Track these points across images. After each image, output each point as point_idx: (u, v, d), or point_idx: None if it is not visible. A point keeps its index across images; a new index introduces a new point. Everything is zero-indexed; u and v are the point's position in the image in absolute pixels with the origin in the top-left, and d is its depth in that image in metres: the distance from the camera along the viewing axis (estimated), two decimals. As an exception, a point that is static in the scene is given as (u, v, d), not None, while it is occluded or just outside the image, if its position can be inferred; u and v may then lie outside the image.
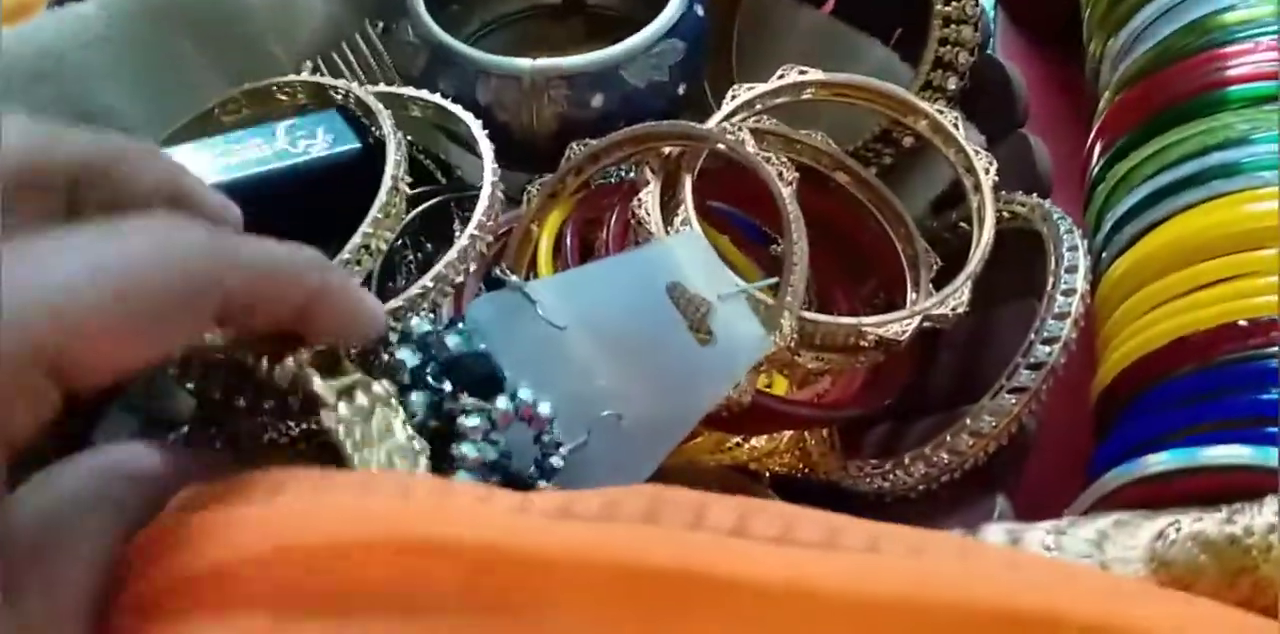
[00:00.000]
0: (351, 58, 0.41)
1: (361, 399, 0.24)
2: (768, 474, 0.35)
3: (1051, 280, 0.31)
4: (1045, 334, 0.30)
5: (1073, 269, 0.31)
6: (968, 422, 0.30)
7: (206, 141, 0.34)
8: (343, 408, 0.23)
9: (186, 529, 0.20)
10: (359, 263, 0.32)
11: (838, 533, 0.21)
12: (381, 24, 0.42)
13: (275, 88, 0.38)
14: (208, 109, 0.37)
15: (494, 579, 0.19)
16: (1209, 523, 0.22)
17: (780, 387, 0.36)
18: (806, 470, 0.35)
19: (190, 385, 0.33)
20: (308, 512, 0.20)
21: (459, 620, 0.19)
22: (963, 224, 0.37)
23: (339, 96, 0.37)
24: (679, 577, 0.19)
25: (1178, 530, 0.22)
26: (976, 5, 0.39)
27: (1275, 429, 0.26)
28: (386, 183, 0.32)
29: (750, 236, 0.41)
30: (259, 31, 0.41)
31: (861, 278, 0.38)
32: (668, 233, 0.34)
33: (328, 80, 0.37)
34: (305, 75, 0.38)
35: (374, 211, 0.31)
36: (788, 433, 0.36)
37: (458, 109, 0.36)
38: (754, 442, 0.36)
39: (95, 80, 0.37)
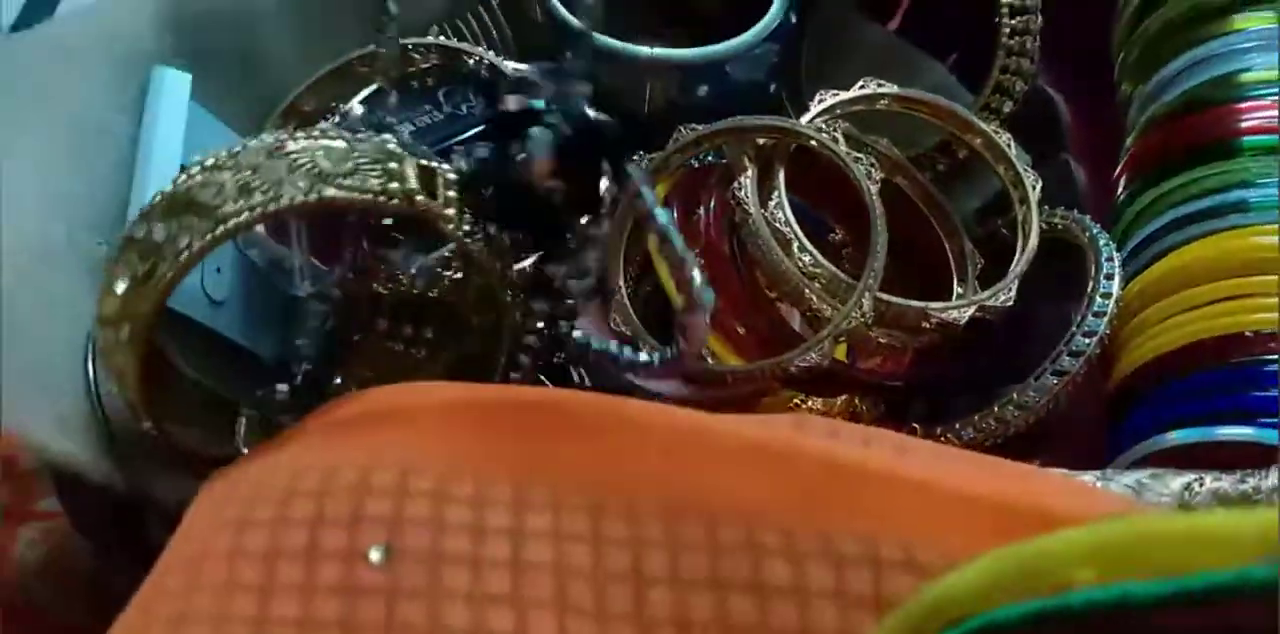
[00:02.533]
0: (475, 28, 0.45)
1: None
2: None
3: (1091, 284, 0.37)
4: (1086, 328, 0.36)
5: (1110, 276, 0.37)
6: (1015, 396, 0.36)
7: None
8: None
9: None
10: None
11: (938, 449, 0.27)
12: (501, -2, 0.46)
13: (410, 48, 0.41)
14: (346, 61, 0.41)
15: None
16: (1226, 482, 0.28)
17: (840, 355, 0.42)
18: (856, 430, 0.41)
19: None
20: None
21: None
22: (1004, 231, 0.43)
23: (471, 61, 0.41)
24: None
25: (1201, 485, 0.29)
26: (1035, 41, 0.44)
27: (1269, 420, 0.32)
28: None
29: (809, 223, 0.46)
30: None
31: (908, 270, 0.44)
32: (763, 213, 0.39)
33: (463, 46, 0.41)
34: (441, 39, 0.42)
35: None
36: (842, 397, 0.41)
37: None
38: (811, 402, 0.41)
39: (263, 25, 0.40)
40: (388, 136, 0.28)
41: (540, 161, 0.30)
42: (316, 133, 0.28)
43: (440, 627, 0.22)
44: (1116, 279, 0.37)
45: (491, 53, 0.39)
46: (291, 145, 0.27)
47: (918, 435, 0.38)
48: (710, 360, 0.40)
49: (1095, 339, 0.36)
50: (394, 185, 0.27)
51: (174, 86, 0.36)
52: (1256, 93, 0.41)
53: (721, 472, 0.25)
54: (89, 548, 0.33)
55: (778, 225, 0.39)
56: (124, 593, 0.25)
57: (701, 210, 0.41)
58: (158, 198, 0.27)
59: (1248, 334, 0.34)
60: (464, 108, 0.38)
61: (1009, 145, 0.43)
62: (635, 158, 0.42)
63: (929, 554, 0.24)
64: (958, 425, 0.37)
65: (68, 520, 0.31)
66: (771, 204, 0.40)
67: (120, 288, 0.26)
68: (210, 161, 0.27)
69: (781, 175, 0.40)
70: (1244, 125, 0.40)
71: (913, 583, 0.23)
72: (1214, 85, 0.42)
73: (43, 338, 0.30)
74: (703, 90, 0.43)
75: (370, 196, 0.27)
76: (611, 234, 0.38)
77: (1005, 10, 0.44)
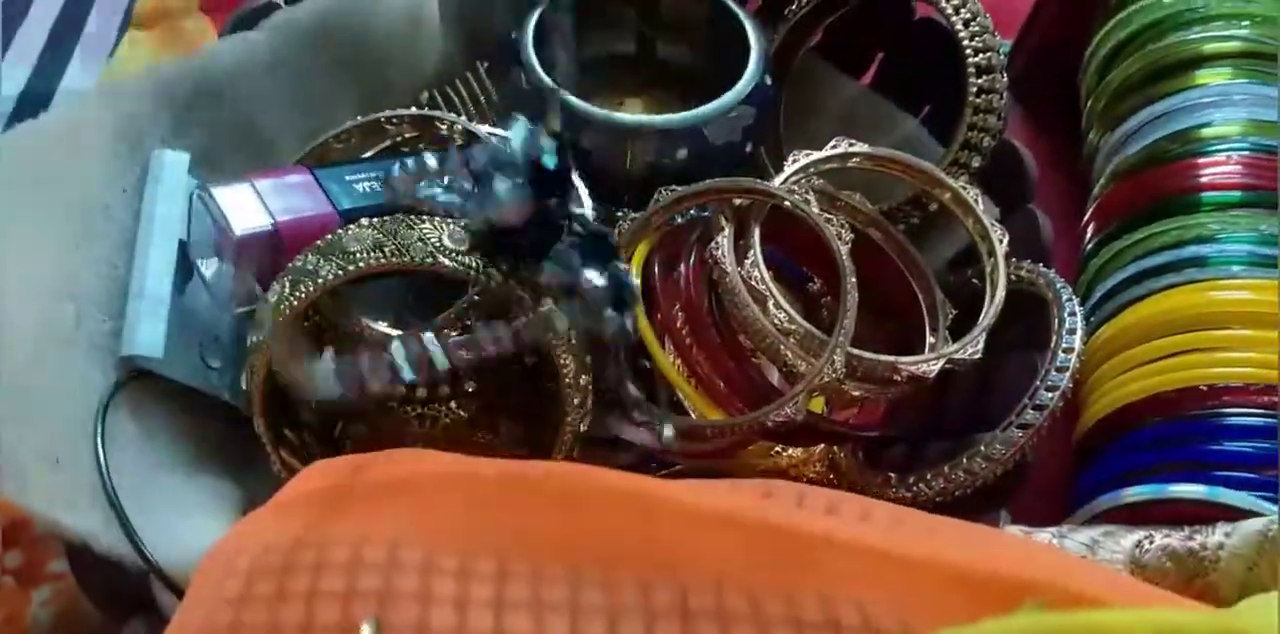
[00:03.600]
0: (464, 94, 0.47)
1: None
2: (804, 480, 0.42)
3: (1055, 338, 0.39)
4: (1049, 383, 0.38)
5: (1072, 331, 0.39)
6: (982, 448, 0.38)
7: (367, 165, 0.40)
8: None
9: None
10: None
11: (900, 515, 0.29)
12: (487, 64, 0.48)
13: (383, 120, 0.43)
14: (321, 141, 0.42)
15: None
16: (1174, 538, 0.30)
17: (816, 408, 0.43)
18: (833, 478, 0.42)
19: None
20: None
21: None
22: (974, 281, 0.45)
23: (443, 128, 0.43)
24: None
25: (1151, 542, 0.30)
26: (1002, 99, 0.46)
27: (1221, 473, 0.34)
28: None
29: (789, 273, 0.48)
30: (384, 60, 0.46)
31: (883, 321, 0.46)
32: (739, 270, 0.41)
33: (435, 113, 0.43)
34: (412, 110, 0.44)
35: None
36: (820, 446, 0.43)
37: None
38: (790, 451, 0.43)
39: (259, 101, 0.42)
40: None
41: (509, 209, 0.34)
42: (449, 221, 0.36)
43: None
44: (1079, 334, 0.39)
45: (464, 119, 0.41)
46: (425, 224, 0.35)
47: (892, 484, 0.39)
48: (691, 414, 0.42)
49: (1058, 393, 0.37)
50: (494, 271, 0.35)
51: (173, 167, 0.38)
52: (1215, 148, 0.43)
53: (692, 540, 0.27)
54: (99, 613, 0.35)
55: (753, 283, 0.41)
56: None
57: (682, 267, 0.43)
58: (320, 242, 0.35)
59: (1203, 387, 0.36)
60: (445, 178, 0.40)
61: (976, 200, 0.44)
62: (620, 216, 0.44)
63: (886, 619, 0.25)
64: (929, 476, 0.38)
65: (79, 587, 0.33)
66: (748, 263, 0.41)
67: (271, 299, 0.34)
68: (365, 222, 0.35)
69: (757, 234, 0.42)
70: (1203, 180, 0.42)
71: (871, 646, 0.25)
72: (1174, 140, 0.44)
73: (53, 416, 0.32)
74: (681, 153, 0.45)
75: (471, 273, 0.35)
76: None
77: (971, 70, 0.46)
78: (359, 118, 0.42)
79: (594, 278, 0.34)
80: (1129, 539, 0.30)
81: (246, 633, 0.25)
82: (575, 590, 0.26)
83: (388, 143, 0.42)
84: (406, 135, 0.43)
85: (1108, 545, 0.30)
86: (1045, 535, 0.31)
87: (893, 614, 0.25)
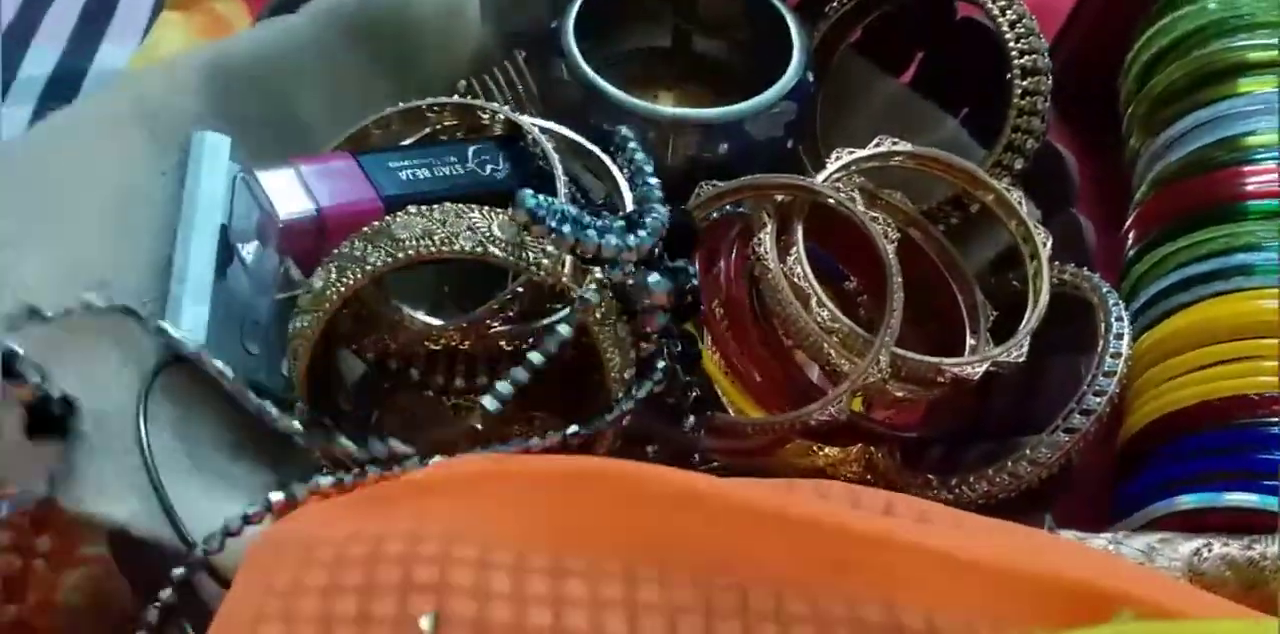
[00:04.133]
0: (501, 83, 0.46)
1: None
2: (842, 480, 0.42)
3: (1102, 343, 0.38)
4: (1096, 387, 0.37)
5: (1120, 336, 0.38)
6: (1028, 452, 0.37)
7: (410, 152, 0.39)
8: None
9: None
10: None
11: (958, 517, 0.28)
12: (524, 54, 0.48)
13: (425, 108, 0.43)
14: (360, 127, 0.41)
15: None
16: (1234, 547, 0.30)
17: (855, 405, 0.43)
18: (871, 479, 0.42)
19: (370, 357, 0.39)
20: None
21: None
22: (1015, 283, 0.44)
23: (485, 118, 0.42)
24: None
25: (1210, 550, 0.30)
26: (1046, 101, 0.46)
27: (1273, 483, 0.33)
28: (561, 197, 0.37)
29: (825, 272, 0.47)
30: (422, 48, 0.46)
31: (922, 322, 0.45)
32: (782, 267, 0.41)
33: (477, 102, 0.42)
34: (455, 98, 0.43)
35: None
36: (858, 446, 0.42)
37: (595, 149, 0.42)
38: (828, 450, 0.42)
39: (297, 87, 0.41)
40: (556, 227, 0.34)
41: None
42: (499, 211, 0.35)
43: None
44: (1126, 338, 0.38)
45: (507, 108, 0.41)
46: (475, 213, 0.34)
47: (933, 486, 0.39)
48: (730, 411, 0.42)
49: (1105, 398, 0.37)
50: (545, 261, 0.34)
51: (214, 149, 0.37)
52: (1260, 157, 0.42)
53: (749, 540, 0.27)
54: (131, 594, 0.34)
55: (796, 280, 0.40)
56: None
57: (721, 263, 0.43)
58: (367, 229, 0.34)
59: (1253, 396, 0.35)
60: (487, 168, 0.39)
61: (1020, 202, 0.44)
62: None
63: (950, 623, 0.25)
64: (972, 479, 0.38)
65: (120, 573, 0.32)
66: (790, 259, 0.41)
67: (317, 285, 0.34)
68: (413, 209, 0.35)
69: (800, 231, 0.41)
70: (1249, 188, 0.42)
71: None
72: (1219, 147, 0.43)
73: (92, 406, 0.31)
74: (723, 148, 0.44)
75: (522, 265, 0.34)
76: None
77: (1018, 71, 0.45)
78: (399, 104, 0.41)
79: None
80: (1187, 547, 0.30)
81: (299, 624, 0.24)
82: (632, 587, 0.26)
83: (427, 131, 0.42)
84: (446, 123, 0.42)
85: (1165, 553, 0.30)
86: (1100, 541, 0.31)
87: (958, 618, 0.25)
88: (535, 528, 0.27)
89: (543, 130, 0.42)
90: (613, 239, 0.33)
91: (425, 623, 0.24)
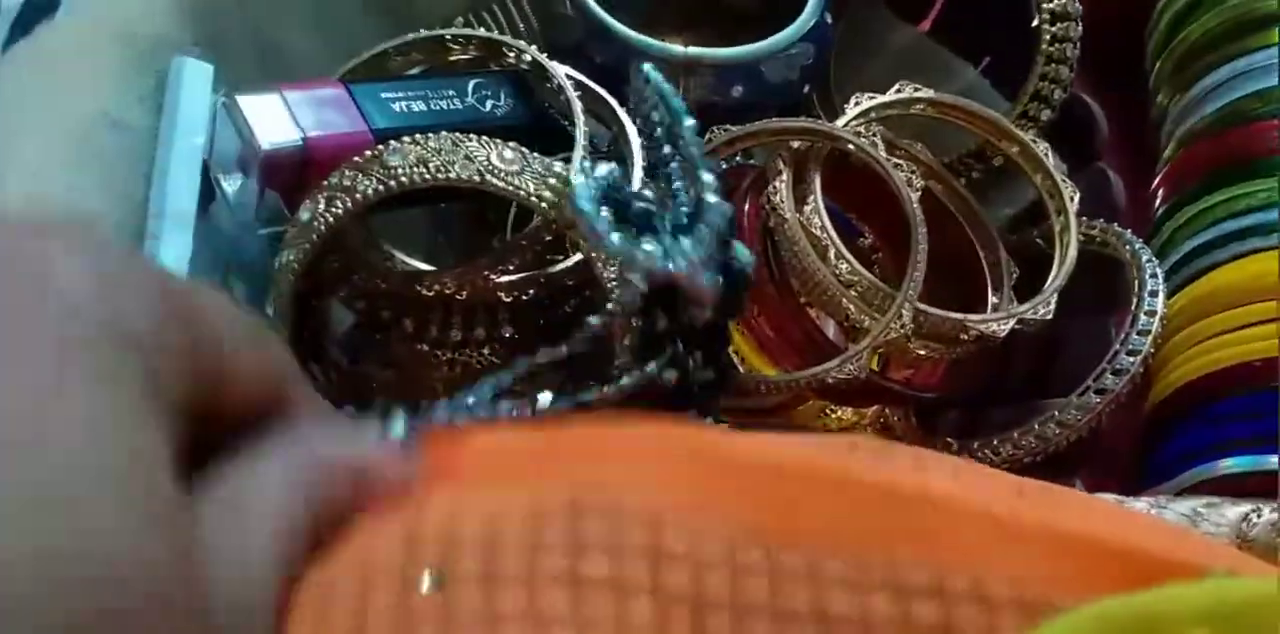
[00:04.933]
0: (501, 20, 0.44)
1: None
2: (856, 442, 0.40)
3: (1135, 301, 0.37)
4: (1130, 346, 0.35)
5: (1154, 293, 0.36)
6: (1056, 414, 0.35)
7: (405, 83, 0.36)
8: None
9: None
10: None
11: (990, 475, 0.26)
12: (527, -12, 0.45)
13: (449, 38, 0.40)
14: (381, 50, 0.39)
15: None
16: (1286, 513, 0.28)
17: (871, 364, 0.41)
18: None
19: (359, 306, 0.37)
20: None
21: None
22: (1039, 241, 0.42)
23: (510, 55, 0.39)
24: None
25: (1259, 516, 0.28)
26: (1075, 48, 0.44)
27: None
28: (579, 154, 0.35)
29: (842, 226, 0.45)
30: (417, -19, 0.43)
31: (943, 278, 0.43)
32: (799, 217, 0.38)
33: (505, 39, 0.40)
34: (481, 31, 0.40)
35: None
36: (873, 407, 0.40)
37: (603, 92, 0.39)
38: (841, 412, 0.40)
39: (282, 14, 0.39)
40: (554, 162, 0.33)
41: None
42: (499, 141, 0.33)
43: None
44: (1161, 296, 0.36)
45: (534, 48, 0.38)
46: (473, 142, 0.33)
47: (954, 449, 0.37)
48: (741, 369, 0.40)
49: (1139, 358, 0.35)
50: (547, 193, 0.32)
51: (195, 77, 0.35)
52: (1300, 108, 0.40)
53: (780, 495, 0.25)
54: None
55: (814, 231, 0.38)
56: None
57: (735, 214, 0.40)
58: (358, 158, 0.32)
59: (1295, 356, 0.34)
60: (488, 104, 0.37)
61: (1046, 154, 0.42)
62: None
63: (997, 586, 0.23)
64: (995, 441, 0.36)
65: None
66: (807, 209, 0.39)
67: (304, 216, 0.32)
68: (408, 139, 0.33)
69: (817, 179, 0.39)
70: (1288, 142, 0.40)
71: (981, 615, 0.23)
72: (1256, 99, 0.41)
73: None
74: (737, 90, 0.42)
75: (523, 194, 0.32)
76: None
77: (1047, 17, 0.43)
78: (422, 31, 0.39)
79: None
80: (1234, 512, 0.28)
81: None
82: (656, 533, 0.24)
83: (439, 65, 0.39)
84: (469, 56, 0.39)
85: (1211, 518, 0.28)
86: (1140, 505, 0.29)
87: (1003, 579, 0.23)
88: (554, 485, 0.24)
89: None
90: (680, 259, 0.28)
91: (427, 581, 0.22)
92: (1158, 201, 0.43)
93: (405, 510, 0.22)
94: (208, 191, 0.34)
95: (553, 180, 0.32)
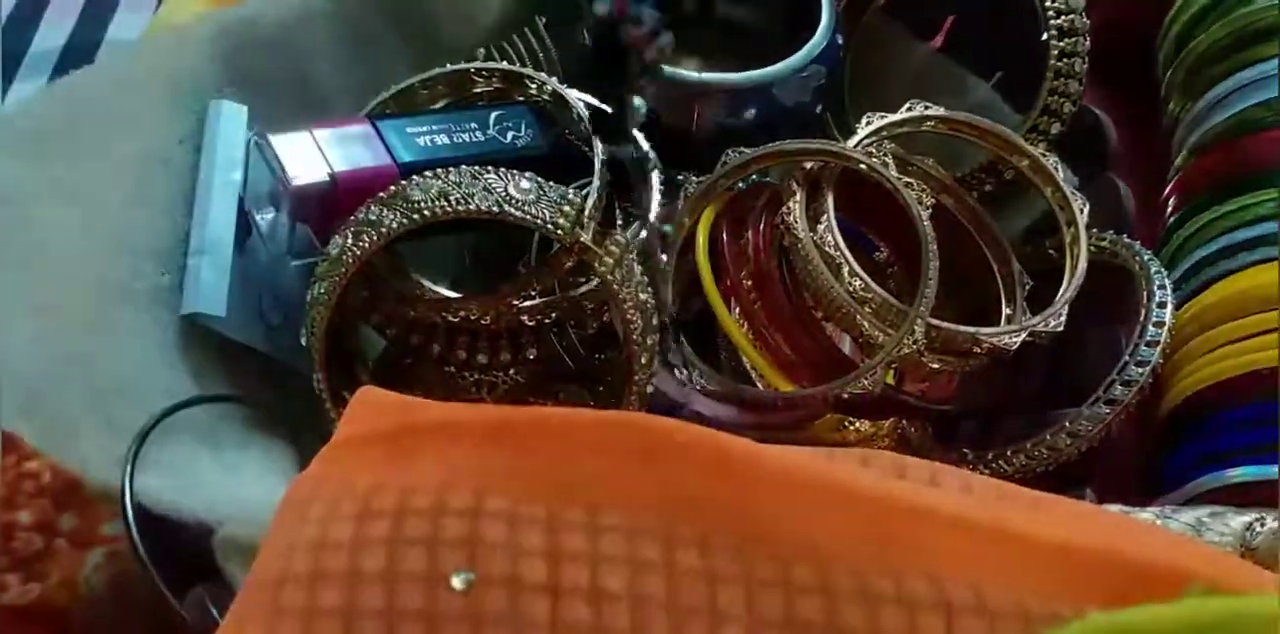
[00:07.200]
0: (522, 51, 0.45)
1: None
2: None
3: (1144, 312, 0.37)
4: (1138, 357, 0.36)
5: (1163, 305, 0.37)
6: (1067, 424, 0.36)
7: (429, 117, 0.38)
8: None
9: None
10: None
11: (1002, 488, 0.27)
12: (545, 19, 0.46)
13: (473, 72, 0.41)
14: (408, 85, 0.40)
15: None
16: (1289, 522, 0.28)
17: (886, 377, 0.42)
18: (903, 454, 0.41)
19: (389, 332, 0.38)
20: None
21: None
22: (1051, 252, 0.43)
23: (532, 87, 0.41)
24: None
25: (1262, 525, 0.29)
26: (1084, 63, 0.44)
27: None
28: (597, 180, 0.36)
29: (857, 241, 0.46)
30: (440, 14, 0.45)
31: (956, 292, 0.44)
32: (812, 236, 0.39)
33: (527, 71, 0.41)
34: (504, 64, 0.42)
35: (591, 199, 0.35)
36: (889, 420, 0.41)
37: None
38: (859, 425, 0.41)
39: (313, 52, 0.40)
40: (569, 190, 0.35)
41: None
42: (516, 172, 0.35)
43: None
44: (1169, 307, 0.37)
45: (554, 79, 0.39)
46: (491, 174, 0.34)
47: (968, 460, 0.38)
48: (759, 384, 0.41)
49: (1148, 368, 0.36)
50: (562, 221, 0.34)
51: (231, 117, 0.37)
52: (1310, 117, 0.41)
53: (791, 509, 0.26)
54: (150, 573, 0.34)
55: (827, 249, 0.39)
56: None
57: (750, 233, 0.41)
58: (383, 194, 0.34)
59: (1304, 365, 0.34)
60: (509, 135, 0.38)
61: (1056, 168, 0.43)
62: (681, 179, 0.43)
63: (1000, 599, 0.24)
64: (1009, 452, 0.37)
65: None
66: (820, 228, 0.40)
67: (333, 251, 0.34)
68: (429, 173, 0.34)
69: (830, 199, 0.40)
70: (1299, 151, 0.40)
71: (983, 627, 0.24)
72: (1265, 108, 0.42)
73: (109, 373, 0.31)
74: (750, 113, 0.43)
75: (539, 222, 0.34)
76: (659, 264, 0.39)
77: (1054, 32, 0.44)
78: (447, 65, 0.40)
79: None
80: (1238, 521, 0.29)
81: (325, 581, 0.23)
82: (670, 549, 0.25)
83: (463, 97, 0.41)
84: (493, 88, 0.41)
85: (1214, 527, 0.29)
86: (1147, 515, 0.30)
87: (1008, 594, 0.24)
88: (567, 480, 0.25)
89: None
90: None
91: (458, 581, 0.23)
92: (1168, 211, 0.43)
93: None
94: (245, 225, 0.36)
95: (567, 208, 0.34)
